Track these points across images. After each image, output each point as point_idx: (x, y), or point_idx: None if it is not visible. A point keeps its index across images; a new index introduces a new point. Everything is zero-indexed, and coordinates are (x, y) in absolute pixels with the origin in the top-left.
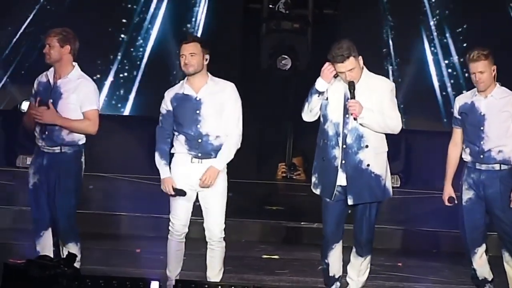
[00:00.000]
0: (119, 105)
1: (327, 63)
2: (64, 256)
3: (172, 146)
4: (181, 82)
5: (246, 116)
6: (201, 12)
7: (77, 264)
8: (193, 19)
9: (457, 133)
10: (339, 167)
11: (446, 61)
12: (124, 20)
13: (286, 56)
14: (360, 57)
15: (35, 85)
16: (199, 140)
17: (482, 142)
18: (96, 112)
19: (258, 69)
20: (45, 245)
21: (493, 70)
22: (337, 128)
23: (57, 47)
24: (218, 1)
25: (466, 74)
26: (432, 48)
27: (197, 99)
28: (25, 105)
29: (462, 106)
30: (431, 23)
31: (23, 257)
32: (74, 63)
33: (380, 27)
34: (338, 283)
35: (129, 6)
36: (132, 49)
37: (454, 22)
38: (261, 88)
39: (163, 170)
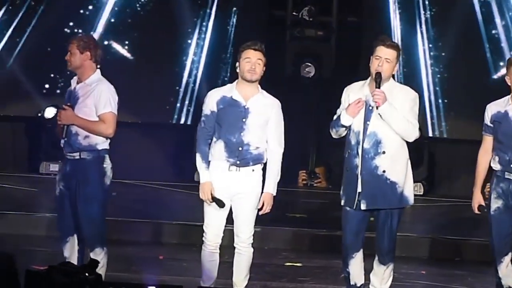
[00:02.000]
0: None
1: (356, 100)
2: (87, 263)
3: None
4: (230, 85)
5: None
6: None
7: (102, 269)
8: (211, 27)
9: (488, 141)
10: (359, 174)
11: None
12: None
13: (310, 64)
14: (397, 65)
15: (66, 95)
16: (240, 148)
17: None
18: (111, 115)
19: (282, 76)
20: (71, 251)
21: None
22: (358, 137)
23: (77, 54)
24: (243, 8)
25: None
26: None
27: (246, 107)
28: (48, 112)
29: (495, 115)
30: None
31: (47, 264)
32: (97, 69)
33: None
34: None
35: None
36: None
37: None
38: (285, 95)
39: (204, 174)
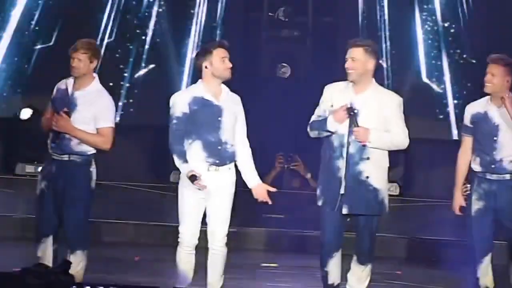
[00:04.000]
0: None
1: (344, 106)
2: (59, 264)
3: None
4: (195, 86)
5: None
6: (201, 21)
7: (81, 272)
8: (194, 28)
9: (468, 142)
10: (342, 178)
11: (446, 70)
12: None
13: (285, 64)
14: (372, 62)
15: (54, 92)
16: (219, 147)
17: (494, 152)
18: (111, 130)
19: (258, 77)
20: (45, 251)
21: (507, 80)
22: (342, 139)
23: (86, 62)
24: (216, 9)
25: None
26: (431, 58)
27: (219, 106)
28: (24, 113)
29: (474, 115)
30: (425, 27)
31: (22, 265)
32: (94, 75)
33: (378, 35)
34: None
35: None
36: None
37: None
38: (261, 96)
39: (185, 167)
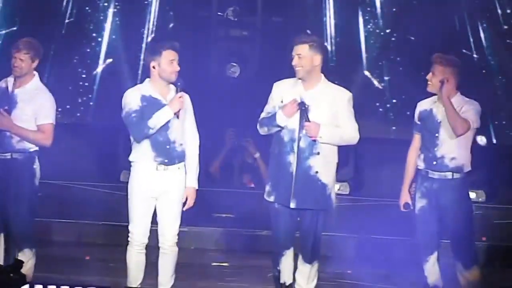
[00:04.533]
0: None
1: (292, 100)
2: (11, 263)
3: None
4: (142, 85)
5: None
6: (152, 20)
7: (30, 270)
8: (143, 28)
9: (417, 139)
10: (293, 172)
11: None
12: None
13: (235, 64)
14: (318, 57)
15: None
16: (167, 147)
17: (435, 149)
18: (51, 126)
19: (207, 76)
20: None
21: (446, 79)
22: (293, 134)
23: (28, 62)
24: (166, 9)
25: None
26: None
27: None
28: None
29: (422, 112)
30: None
31: None
32: (34, 72)
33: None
34: None
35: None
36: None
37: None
38: (211, 95)
39: (161, 113)
